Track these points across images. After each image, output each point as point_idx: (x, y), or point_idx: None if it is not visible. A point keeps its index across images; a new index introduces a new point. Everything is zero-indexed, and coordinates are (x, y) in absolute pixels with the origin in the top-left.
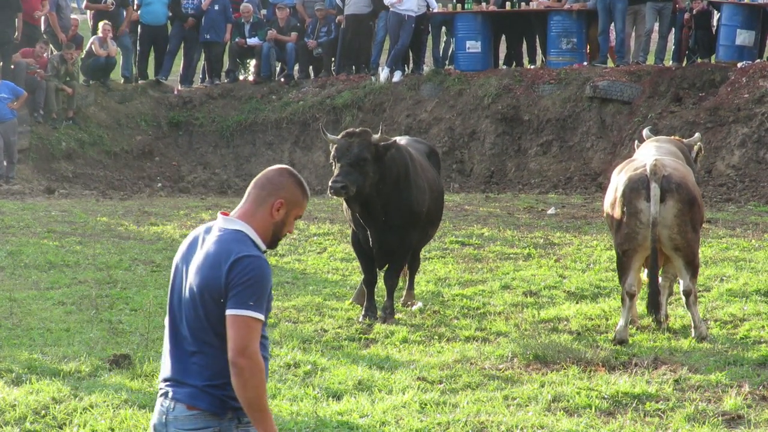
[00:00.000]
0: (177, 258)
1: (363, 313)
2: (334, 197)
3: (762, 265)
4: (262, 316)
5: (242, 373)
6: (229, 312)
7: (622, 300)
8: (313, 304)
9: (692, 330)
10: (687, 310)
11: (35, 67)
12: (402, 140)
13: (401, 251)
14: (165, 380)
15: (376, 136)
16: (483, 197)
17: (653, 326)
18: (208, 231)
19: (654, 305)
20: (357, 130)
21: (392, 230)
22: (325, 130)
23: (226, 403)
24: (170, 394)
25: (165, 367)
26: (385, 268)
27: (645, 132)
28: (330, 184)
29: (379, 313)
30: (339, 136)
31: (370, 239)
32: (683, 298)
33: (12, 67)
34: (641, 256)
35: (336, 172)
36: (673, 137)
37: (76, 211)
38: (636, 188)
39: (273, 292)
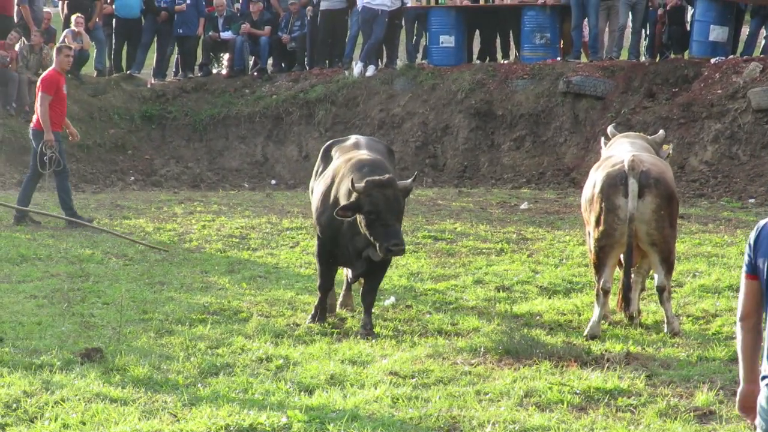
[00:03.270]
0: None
1: (312, 315)
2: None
3: (734, 261)
4: None
5: None
6: None
7: (597, 296)
8: (286, 299)
9: (665, 325)
10: (660, 305)
11: (6, 59)
12: (362, 140)
13: (383, 264)
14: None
15: (402, 183)
16: (456, 192)
17: (625, 322)
18: None
19: (625, 301)
20: (384, 179)
21: None
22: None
23: None
24: None
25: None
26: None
27: (609, 129)
28: (394, 248)
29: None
30: (367, 186)
31: (354, 254)
32: (657, 293)
33: None
34: (618, 252)
35: (388, 232)
36: (638, 134)
37: (48, 204)
38: (614, 184)
39: (245, 285)
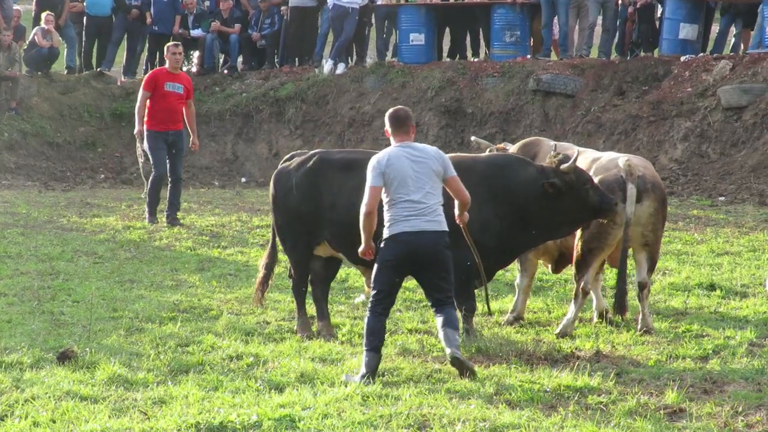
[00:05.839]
0: None
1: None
2: None
3: (704, 259)
4: None
5: None
6: None
7: (576, 295)
8: None
9: (638, 321)
10: (638, 302)
11: None
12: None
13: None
14: None
15: None
16: None
17: (595, 320)
18: None
19: (620, 306)
20: (559, 155)
21: None
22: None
23: None
24: None
25: None
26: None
27: (474, 138)
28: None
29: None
30: (566, 163)
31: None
32: (638, 289)
33: None
34: (606, 254)
35: (600, 191)
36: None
37: (18, 203)
38: (612, 189)
39: (215, 283)
